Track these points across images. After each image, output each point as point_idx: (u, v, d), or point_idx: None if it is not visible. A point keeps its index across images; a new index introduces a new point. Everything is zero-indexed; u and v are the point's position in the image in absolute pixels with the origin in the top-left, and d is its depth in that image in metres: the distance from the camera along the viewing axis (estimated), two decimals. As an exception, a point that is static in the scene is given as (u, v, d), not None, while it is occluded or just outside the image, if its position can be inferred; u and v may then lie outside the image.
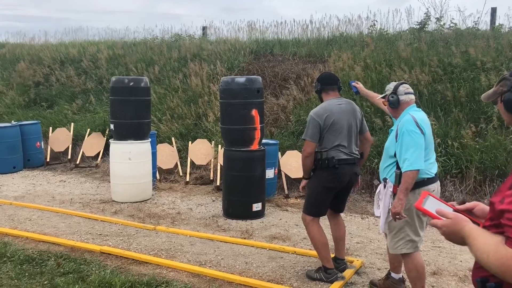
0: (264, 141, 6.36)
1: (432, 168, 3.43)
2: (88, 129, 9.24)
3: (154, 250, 4.78)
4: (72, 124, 9.54)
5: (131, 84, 6.55)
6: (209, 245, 4.96)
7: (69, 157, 9.12)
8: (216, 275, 4.14)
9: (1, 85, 12.09)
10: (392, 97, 3.50)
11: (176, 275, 4.20)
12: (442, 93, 7.29)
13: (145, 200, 6.70)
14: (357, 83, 4.43)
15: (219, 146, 7.83)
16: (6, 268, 4.22)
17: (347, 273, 4.13)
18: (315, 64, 9.38)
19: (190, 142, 8.24)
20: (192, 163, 8.04)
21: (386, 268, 4.35)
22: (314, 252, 4.71)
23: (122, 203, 6.56)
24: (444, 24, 9.74)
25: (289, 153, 7.25)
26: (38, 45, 14.28)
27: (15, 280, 3.98)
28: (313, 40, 10.54)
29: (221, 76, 9.68)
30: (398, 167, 3.36)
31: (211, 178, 7.70)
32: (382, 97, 3.66)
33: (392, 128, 3.59)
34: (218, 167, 7.51)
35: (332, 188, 4.01)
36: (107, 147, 8.83)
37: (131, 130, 6.55)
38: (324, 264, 4.02)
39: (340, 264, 4.25)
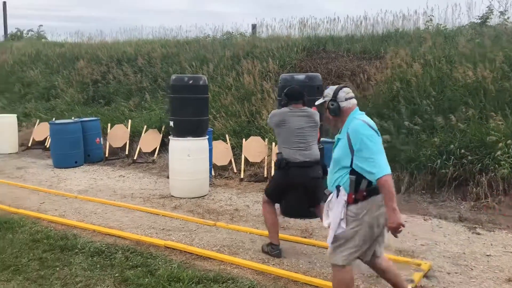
0: (322, 139, 6.28)
1: None
2: (145, 126, 9.48)
3: (217, 246, 4.84)
4: (130, 120, 9.83)
5: (191, 82, 6.65)
6: (270, 243, 4.97)
7: (127, 152, 9.40)
8: (281, 274, 4.13)
9: (62, 83, 12.63)
10: (332, 104, 3.15)
11: (240, 272, 4.23)
12: (510, 91, 6.94)
13: (203, 196, 6.80)
14: None
15: (273, 143, 7.83)
16: (79, 259, 4.39)
17: (416, 276, 4.02)
18: (370, 60, 9.20)
19: (243, 139, 8.29)
20: (246, 160, 8.09)
21: (456, 272, 4.22)
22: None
23: (180, 198, 6.68)
24: (508, 18, 9.29)
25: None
26: (95, 44, 14.81)
27: (88, 272, 4.13)
28: (367, 36, 10.33)
29: (273, 74, 9.69)
30: (352, 173, 3.01)
31: (265, 176, 7.72)
32: (321, 104, 3.28)
33: (338, 136, 3.19)
34: (272, 165, 7.51)
35: (284, 185, 4.53)
36: (163, 143, 9.07)
37: (190, 127, 6.65)
38: (271, 240, 4.59)
39: None
